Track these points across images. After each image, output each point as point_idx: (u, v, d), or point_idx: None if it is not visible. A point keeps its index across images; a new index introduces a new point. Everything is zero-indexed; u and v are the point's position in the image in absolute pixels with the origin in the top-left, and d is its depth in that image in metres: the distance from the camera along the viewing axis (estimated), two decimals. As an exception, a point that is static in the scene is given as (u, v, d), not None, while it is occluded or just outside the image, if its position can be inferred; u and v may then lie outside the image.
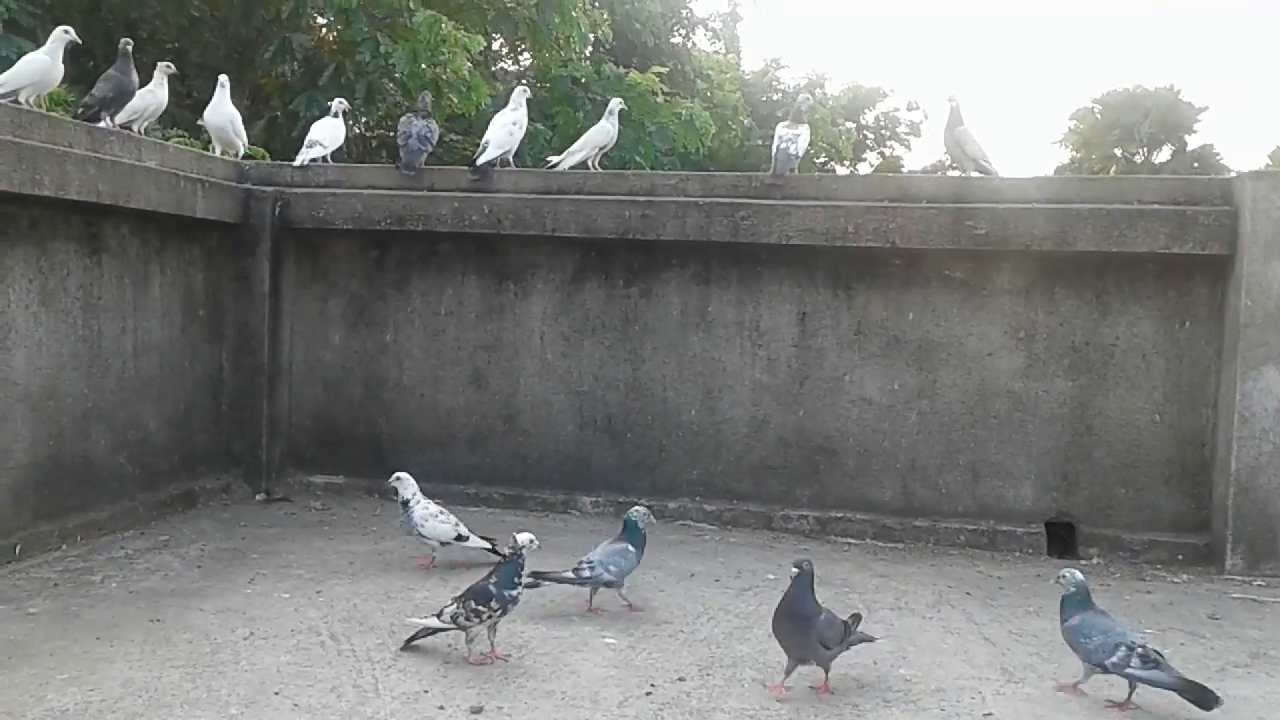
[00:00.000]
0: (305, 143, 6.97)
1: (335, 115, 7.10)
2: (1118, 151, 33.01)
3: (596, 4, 14.80)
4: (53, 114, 5.64)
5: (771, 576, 5.13)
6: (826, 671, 3.74)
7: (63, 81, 6.14)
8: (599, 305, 6.53)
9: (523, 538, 4.07)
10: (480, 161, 6.59)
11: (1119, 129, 32.81)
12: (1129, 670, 3.60)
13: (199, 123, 8.43)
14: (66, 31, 5.70)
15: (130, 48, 6.02)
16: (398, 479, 5.17)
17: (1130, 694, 3.69)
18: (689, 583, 5.12)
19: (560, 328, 6.58)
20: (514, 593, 3.95)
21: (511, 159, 6.79)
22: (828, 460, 6.21)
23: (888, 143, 29.36)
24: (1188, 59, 61.57)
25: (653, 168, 15.28)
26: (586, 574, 4.53)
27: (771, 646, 3.91)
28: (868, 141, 28.47)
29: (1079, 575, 3.90)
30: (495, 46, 16.65)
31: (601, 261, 6.51)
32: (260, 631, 4.21)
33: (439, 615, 3.97)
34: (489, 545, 5.22)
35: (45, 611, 4.37)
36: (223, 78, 6.98)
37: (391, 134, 12.93)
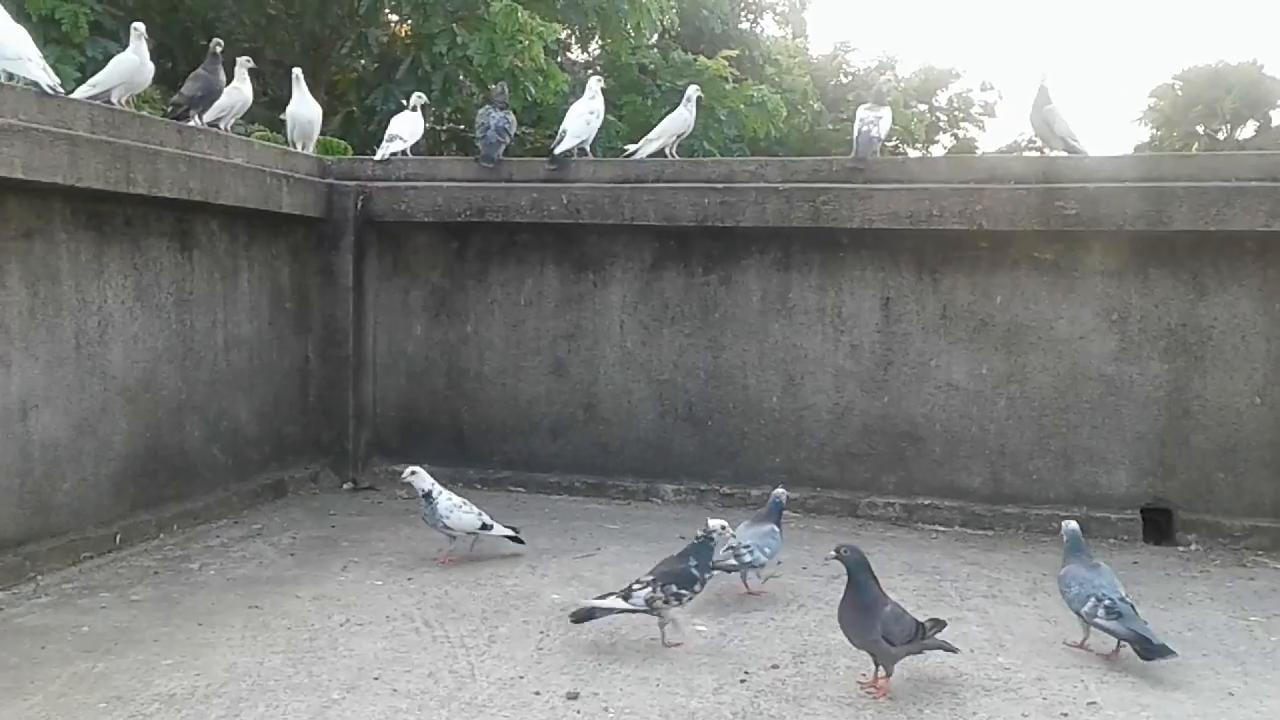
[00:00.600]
0: (385, 137, 7.04)
1: (414, 109, 7.17)
2: (1200, 129, 32.06)
3: (666, -7, 14.74)
4: (144, 113, 5.76)
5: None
6: (888, 671, 3.59)
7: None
8: (678, 293, 6.50)
9: (714, 523, 4.05)
10: (558, 151, 6.60)
11: (1201, 105, 31.87)
12: (1096, 620, 3.90)
13: (281, 118, 8.57)
14: (138, 28, 5.77)
15: (220, 48, 6.13)
16: (412, 473, 5.07)
17: (1085, 638, 4.03)
18: (776, 570, 5.07)
19: (640, 316, 6.57)
20: (709, 576, 3.95)
21: (589, 148, 6.79)
22: (914, 447, 6.12)
23: (961, 124, 28.85)
24: (1271, 33, 59.50)
25: (722, 154, 15.21)
26: (748, 558, 4.49)
27: (866, 635, 3.87)
28: (940, 123, 27.99)
29: (1073, 525, 4.18)
30: (563, 36, 16.68)
31: (680, 249, 6.49)
32: (356, 618, 4.28)
33: (626, 598, 3.90)
34: (513, 533, 5.18)
35: (148, 599, 4.48)
36: (297, 72, 7.07)
37: (463, 127, 13.04)
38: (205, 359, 5.84)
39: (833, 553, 3.70)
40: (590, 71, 16.70)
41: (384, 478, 6.82)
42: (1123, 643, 3.90)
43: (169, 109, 6.06)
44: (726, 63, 15.53)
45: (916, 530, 5.94)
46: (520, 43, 11.58)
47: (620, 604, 3.92)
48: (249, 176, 5.92)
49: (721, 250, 6.41)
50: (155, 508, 5.46)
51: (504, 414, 6.78)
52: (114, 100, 5.49)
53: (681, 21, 16.68)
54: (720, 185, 6.26)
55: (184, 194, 5.37)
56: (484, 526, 5.10)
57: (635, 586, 3.93)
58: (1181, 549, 5.62)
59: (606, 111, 7.19)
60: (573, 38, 16.16)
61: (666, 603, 3.88)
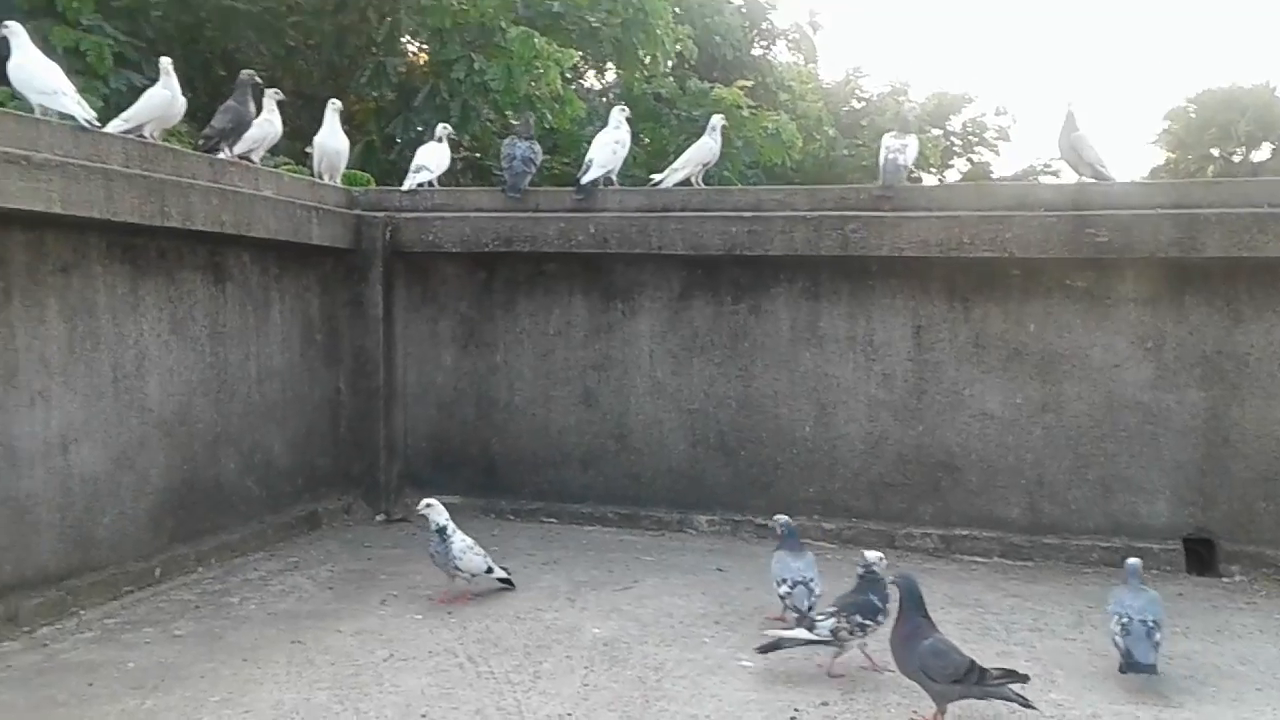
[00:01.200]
0: (412, 168, 7.07)
1: (440, 140, 7.19)
2: (1215, 151, 32.04)
3: (678, 19, 14.77)
4: (177, 147, 5.79)
5: (900, 596, 5.03)
6: (938, 709, 3.55)
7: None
8: (707, 322, 6.50)
9: (872, 555, 4.06)
10: (585, 181, 6.61)
11: (1215, 128, 31.85)
12: (1114, 637, 4.08)
13: (306, 150, 8.60)
14: (164, 63, 5.80)
15: (252, 78, 6.16)
16: (428, 505, 5.00)
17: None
18: (817, 603, 5.03)
19: (669, 345, 6.56)
20: (889, 608, 3.94)
21: (614, 177, 6.80)
22: (949, 476, 6.09)
23: (975, 149, 28.84)
24: (1280, 54, 59.58)
25: (739, 181, 15.22)
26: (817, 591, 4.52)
27: (915, 670, 3.83)
28: (955, 148, 27.99)
29: (1133, 561, 4.30)
30: (578, 64, 16.75)
31: (708, 278, 6.49)
32: (399, 653, 4.26)
33: (810, 628, 3.94)
34: (506, 577, 5.13)
35: (190, 634, 4.47)
36: (334, 103, 7.11)
37: (478, 155, 13.07)
38: (239, 391, 5.84)
39: (890, 579, 3.72)
40: (610, 99, 16.79)
41: (415, 509, 6.78)
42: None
43: (200, 142, 6.08)
44: (742, 92, 15.58)
45: (955, 561, 5.90)
46: (537, 69, 11.62)
47: (806, 635, 3.96)
48: (280, 209, 5.95)
49: (750, 279, 6.41)
50: (193, 541, 5.46)
51: (535, 444, 6.77)
52: (146, 134, 5.52)
53: (696, 49, 16.74)
54: (748, 214, 6.27)
55: (217, 227, 5.40)
56: (488, 570, 5.04)
57: (819, 618, 3.96)
58: (1225, 580, 5.57)
59: (627, 140, 7.18)
60: (588, 66, 16.23)
61: (851, 633, 3.91)
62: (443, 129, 7.47)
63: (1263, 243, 5.48)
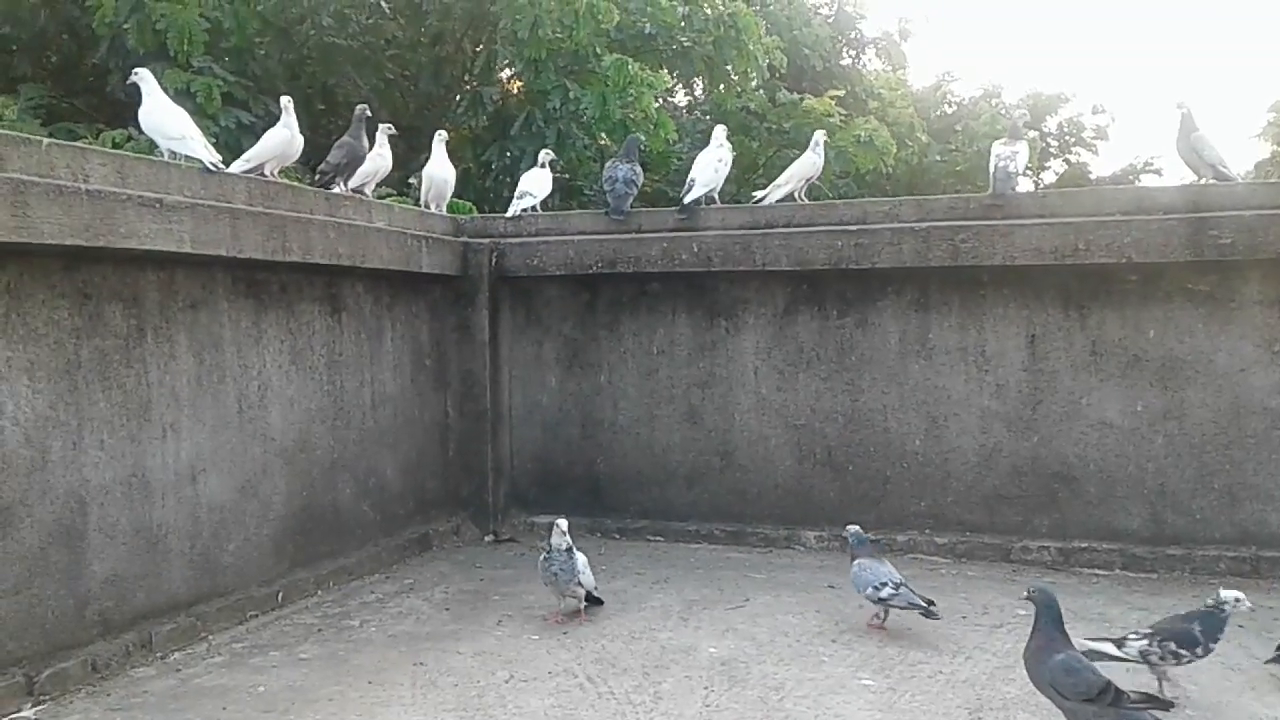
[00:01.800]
0: (515, 194, 7.18)
1: (543, 166, 7.29)
2: (1324, 143, 30.70)
3: (769, 33, 14.73)
4: (296, 184, 5.98)
5: (1022, 612, 4.91)
6: None
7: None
8: (812, 337, 6.46)
9: (1229, 594, 3.92)
10: (687, 200, 6.64)
11: (1323, 119, 30.54)
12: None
13: (410, 180, 8.80)
14: (288, 101, 5.99)
15: (366, 113, 6.34)
16: (559, 525, 5.00)
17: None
18: (934, 620, 4.95)
19: (774, 361, 6.54)
20: (1214, 646, 3.88)
21: (717, 195, 6.81)
22: (1067, 488, 5.93)
23: (1073, 149, 28.10)
24: (1395, 36, 56.93)
25: (830, 193, 15.10)
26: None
27: (1044, 688, 3.73)
28: (1051, 149, 27.32)
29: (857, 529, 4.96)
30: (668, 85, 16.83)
31: (813, 293, 6.45)
32: (519, 674, 4.31)
33: (1119, 645, 3.92)
34: (598, 596, 5.20)
35: (315, 657, 4.58)
36: (441, 134, 7.27)
37: (568, 176, 13.21)
38: (354, 418, 5.99)
39: (1026, 593, 3.67)
40: (699, 116, 16.82)
41: (523, 529, 6.89)
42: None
43: (316, 177, 6.27)
44: (833, 101, 15.47)
45: (1075, 575, 5.74)
46: (630, 95, 11.71)
47: (1112, 649, 3.91)
48: (391, 239, 6.10)
49: (856, 292, 6.35)
50: (312, 565, 5.60)
51: (639, 463, 6.80)
52: (267, 173, 5.71)
53: (785, 60, 16.67)
54: (853, 227, 6.22)
55: (334, 259, 5.55)
56: (595, 588, 5.14)
57: (1131, 637, 3.91)
58: (1362, 589, 5.33)
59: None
60: (677, 83, 16.27)
61: (1162, 659, 3.85)
62: (545, 155, 7.56)
63: (1396, 238, 5.24)
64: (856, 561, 4.84)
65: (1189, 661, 3.82)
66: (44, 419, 4.15)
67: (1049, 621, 3.56)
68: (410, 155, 10.60)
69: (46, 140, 4.22)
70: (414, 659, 4.52)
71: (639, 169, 7.05)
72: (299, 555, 5.54)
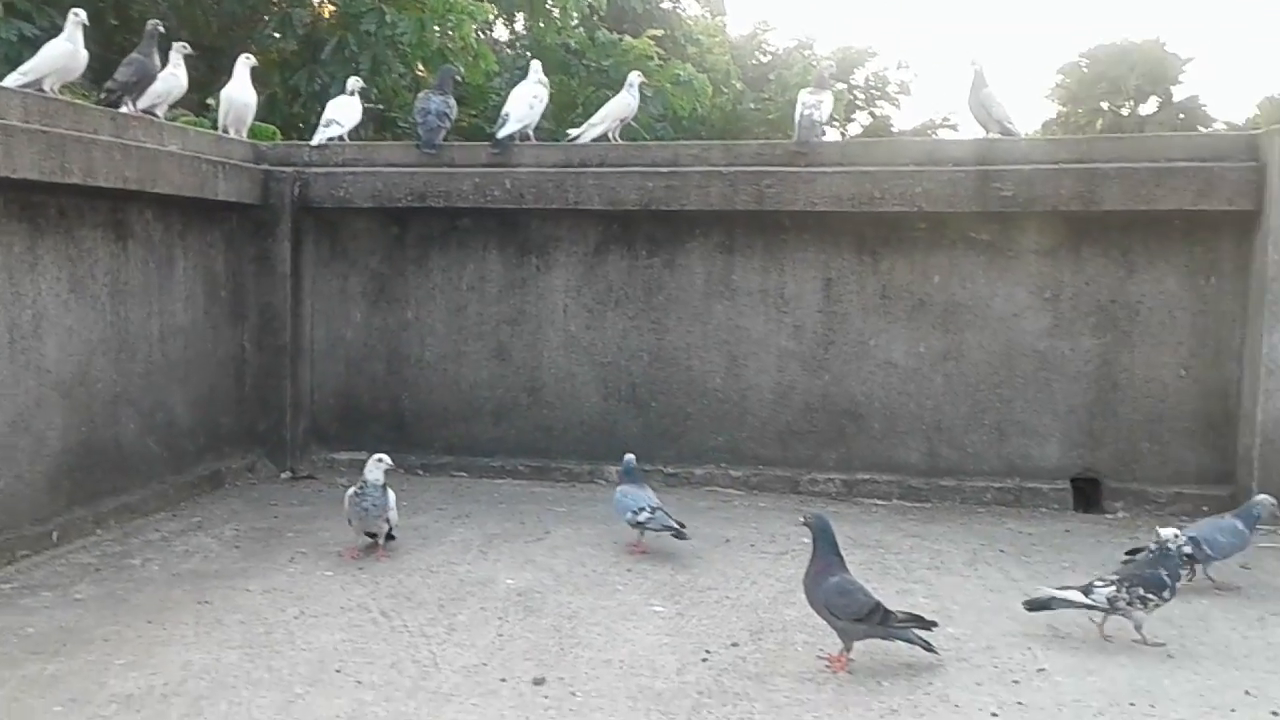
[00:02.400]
0: (322, 122, 6.94)
1: (351, 93, 7.06)
2: (1105, 105, 32.85)
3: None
4: (78, 101, 5.59)
5: (806, 540, 5.08)
6: (845, 647, 3.66)
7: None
8: (622, 276, 6.53)
9: (1166, 531, 4.00)
10: (501, 135, 6.56)
11: (1106, 82, 32.59)
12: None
13: (208, 101, 8.36)
14: (76, 14, 5.60)
15: (159, 29, 5.97)
16: (379, 460, 4.94)
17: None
18: (725, 548, 5.16)
19: (583, 300, 6.58)
20: (1178, 585, 3.95)
21: (531, 132, 6.76)
22: (854, 424, 6.25)
23: (877, 103, 29.23)
24: (1172, 11, 61.41)
25: (647, 134, 15.20)
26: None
27: (820, 610, 3.95)
28: (858, 102, 28.33)
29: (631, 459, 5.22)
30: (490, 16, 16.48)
31: (624, 233, 6.51)
32: (310, 610, 4.24)
33: (1086, 593, 3.92)
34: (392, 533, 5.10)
35: (92, 597, 4.38)
36: (246, 57, 6.93)
37: (382, 107, 12.83)
38: (140, 350, 5.70)
39: (801, 519, 3.84)
40: (519, 51, 16.56)
41: (323, 466, 6.75)
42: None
43: (102, 95, 5.87)
44: (652, 42, 15.53)
45: (857, 504, 6.07)
46: (450, 23, 11.43)
47: (1079, 597, 3.94)
48: (185, 164, 5.79)
49: (666, 233, 6.45)
50: (92, 503, 5.33)
51: (446, 399, 6.75)
52: (46, 88, 5.31)
53: (606, 1, 16.61)
54: (665, 169, 6.30)
55: (120, 183, 5.22)
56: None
57: (1097, 584, 3.94)
58: (1110, 517, 5.85)
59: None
60: (499, 18, 15.99)
61: (1130, 604, 3.89)
62: (354, 82, 7.33)
63: (1159, 196, 5.71)
64: (619, 488, 5.12)
65: (1156, 606, 3.89)
66: None
67: (825, 547, 3.76)
68: (213, 78, 10.02)
69: None
70: (199, 598, 4.37)
71: (453, 102, 6.92)
72: (77, 493, 5.25)
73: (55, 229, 5.07)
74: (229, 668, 3.67)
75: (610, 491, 6.26)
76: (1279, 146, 5.46)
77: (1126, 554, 4.54)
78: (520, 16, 16.07)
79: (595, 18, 16.11)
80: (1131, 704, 3.42)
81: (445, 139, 6.73)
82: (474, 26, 11.92)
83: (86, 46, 5.63)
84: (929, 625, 3.72)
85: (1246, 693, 3.50)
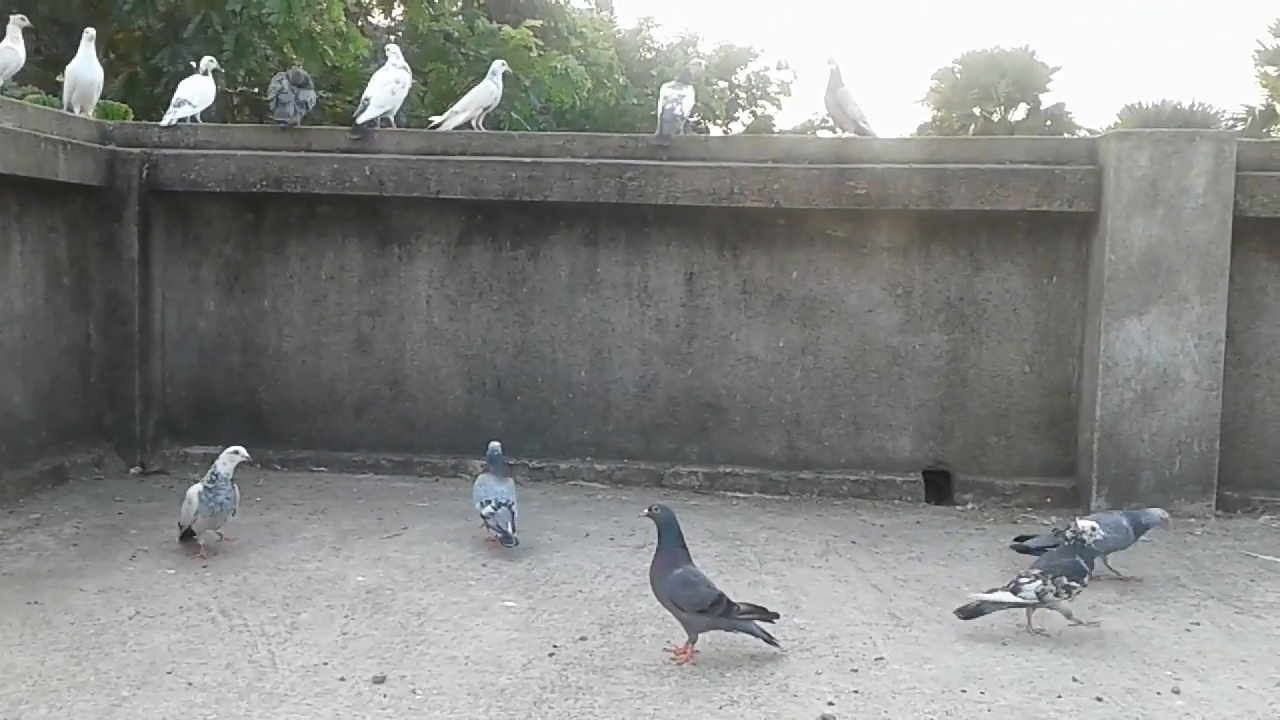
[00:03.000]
0: (173, 102, 6.68)
1: (205, 73, 6.83)
2: (977, 110, 33.88)
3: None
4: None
5: (665, 534, 5.20)
6: (690, 638, 3.70)
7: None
8: (486, 268, 6.47)
9: (1085, 523, 4.08)
10: (360, 120, 6.42)
11: (978, 89, 33.61)
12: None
13: (58, 79, 7.97)
14: None
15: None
16: (235, 452, 4.83)
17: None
18: (584, 542, 5.16)
19: (447, 291, 6.50)
20: (1093, 570, 4.06)
21: (393, 118, 6.63)
22: (716, 417, 6.32)
23: (759, 102, 29.68)
24: (1040, 20, 63.95)
25: (528, 125, 15.12)
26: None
27: (670, 603, 3.98)
28: (740, 100, 28.70)
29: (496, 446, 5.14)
30: (364, 0, 16.18)
31: (488, 224, 6.45)
32: (146, 610, 4.09)
33: (1015, 591, 3.94)
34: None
35: (-90, 598, 4.15)
36: (90, 31, 6.62)
37: (257, 91, 12.47)
38: (-29, 339, 5.41)
39: (646, 510, 3.85)
40: (398, 38, 16.26)
41: (175, 461, 6.51)
42: None
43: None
44: (531, 33, 15.43)
45: (719, 498, 6.14)
46: (319, 4, 11.14)
47: (1010, 597, 3.96)
48: (21, 142, 5.51)
49: (529, 225, 6.41)
50: (-83, 500, 5.05)
51: (305, 392, 6.59)
52: None
53: (487, -11, 16.48)
54: (528, 159, 6.25)
55: (-54, 162, 4.95)
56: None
57: (1023, 580, 3.96)
58: (959, 508, 6.04)
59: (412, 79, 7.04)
60: (375, 3, 15.69)
61: (1058, 595, 3.93)
62: (207, 61, 7.10)
63: (1003, 197, 5.91)
64: (478, 479, 5.09)
65: (1078, 592, 3.98)
66: None
67: (670, 539, 3.79)
68: (71, 54, 9.58)
69: None
70: (29, 598, 4.18)
71: (311, 94, 6.75)
72: (-100, 489, 4.97)
73: None
74: (53, 670, 3.52)
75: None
76: (1115, 150, 5.71)
77: (1015, 540, 4.80)
78: (397, 2, 15.78)
79: (476, 5, 15.95)
80: (963, 690, 3.54)
81: (304, 122, 6.57)
82: (343, 8, 11.62)
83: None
84: (771, 617, 3.78)
85: (1074, 679, 3.64)
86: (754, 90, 29.07)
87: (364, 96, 6.62)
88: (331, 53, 11.24)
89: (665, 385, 6.35)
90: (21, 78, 9.44)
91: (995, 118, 32.83)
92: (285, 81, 6.54)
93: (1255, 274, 5.90)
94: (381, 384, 6.55)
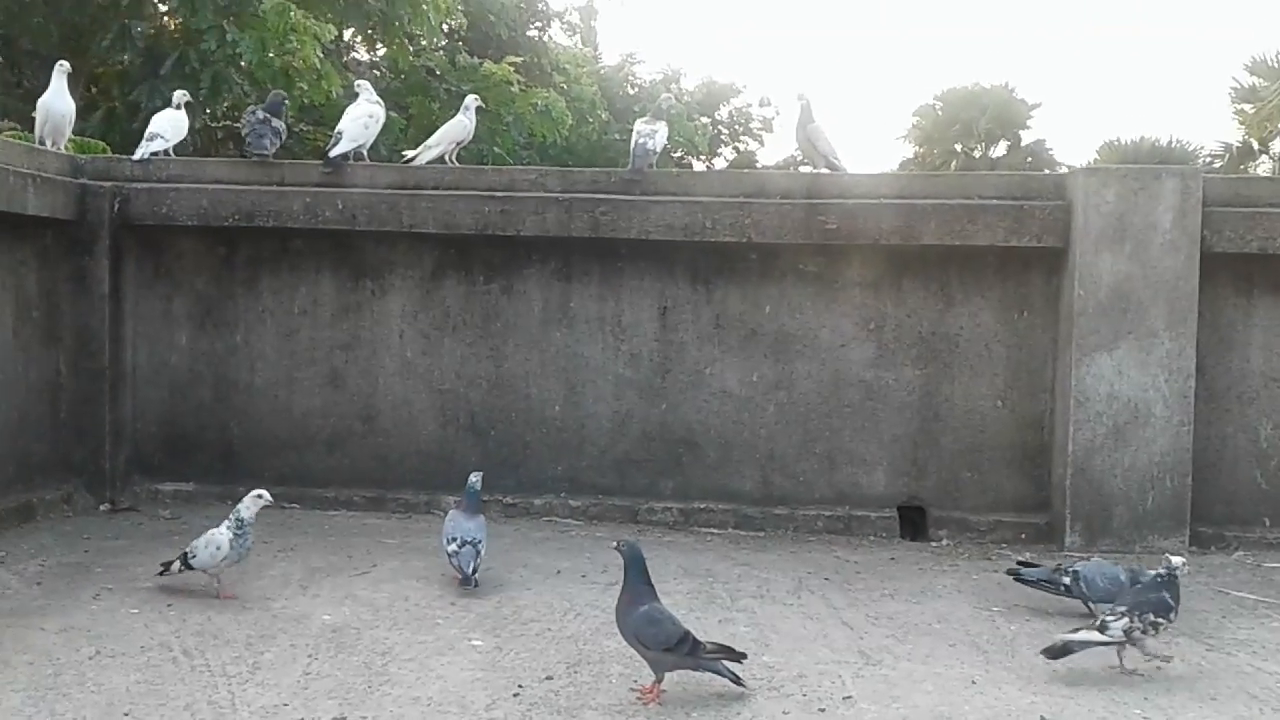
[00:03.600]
0: (145, 135, 6.67)
1: (177, 107, 6.83)
2: (958, 147, 34.13)
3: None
4: None
5: (636, 570, 5.16)
6: (656, 677, 3.65)
7: None
8: (459, 302, 6.46)
9: (1177, 560, 4.02)
10: (333, 154, 6.43)
11: (958, 125, 33.89)
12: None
13: (33, 115, 7.96)
14: None
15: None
16: (258, 496, 4.78)
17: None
18: (555, 580, 5.12)
19: (420, 325, 6.48)
20: (1179, 606, 3.97)
21: (366, 153, 6.65)
22: (690, 452, 6.30)
23: (741, 138, 29.91)
24: (1020, 57, 64.79)
25: (511, 159, 15.17)
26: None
27: (638, 642, 3.94)
28: (722, 136, 28.92)
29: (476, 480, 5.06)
30: (347, 36, 16.26)
31: (461, 258, 6.44)
32: (107, 650, 4.03)
33: (1101, 630, 3.89)
34: None
35: None
36: (62, 64, 6.62)
37: (240, 127, 12.52)
38: (-64, 374, 5.36)
39: (614, 545, 3.85)
40: (375, 73, 16.35)
41: (145, 498, 6.45)
42: None
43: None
44: (512, 68, 15.53)
45: (693, 534, 6.11)
46: (293, 43, 11.19)
47: (1097, 636, 3.91)
48: (-12, 176, 5.49)
49: (503, 259, 6.41)
50: (-123, 538, 4.97)
51: (277, 427, 6.54)
52: None
53: (469, 26, 16.57)
54: (501, 194, 6.26)
55: (-90, 195, 4.92)
56: None
57: (1109, 619, 3.91)
58: (934, 544, 6.02)
59: (392, 111, 7.06)
60: (358, 39, 15.77)
61: (1144, 632, 3.88)
62: (180, 96, 7.10)
63: (972, 232, 5.94)
64: (449, 514, 5.05)
65: (1166, 628, 3.93)
66: None
67: (635, 575, 3.76)
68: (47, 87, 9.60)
69: None
70: (-14, 638, 4.12)
71: (283, 125, 6.76)
72: None
73: None
74: (8, 712, 3.46)
75: (446, 522, 6.20)
76: (1083, 186, 5.76)
77: (1017, 563, 4.88)
78: (379, 40, 15.87)
79: (458, 40, 16.05)
80: (931, 728, 3.51)
81: (277, 156, 6.57)
82: (318, 47, 11.66)
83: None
84: (739, 657, 3.74)
85: (1042, 717, 3.62)
86: (736, 126, 29.32)
87: (336, 130, 6.64)
88: (306, 88, 11.27)
89: (639, 420, 6.33)
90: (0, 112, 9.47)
91: (976, 154, 33.13)
92: (258, 114, 6.54)
93: (1224, 309, 5.94)
94: (354, 419, 6.51)
